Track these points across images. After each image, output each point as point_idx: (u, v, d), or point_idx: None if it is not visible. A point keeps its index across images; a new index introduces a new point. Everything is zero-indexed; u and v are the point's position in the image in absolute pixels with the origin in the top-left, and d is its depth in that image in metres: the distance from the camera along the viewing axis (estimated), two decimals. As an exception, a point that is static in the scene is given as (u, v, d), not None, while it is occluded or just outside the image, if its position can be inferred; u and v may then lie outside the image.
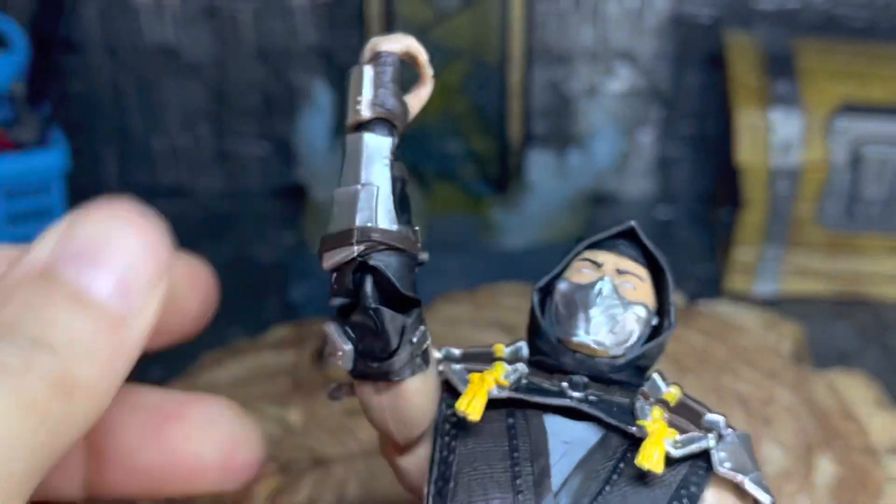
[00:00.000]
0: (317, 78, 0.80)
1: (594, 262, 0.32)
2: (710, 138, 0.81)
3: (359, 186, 0.28)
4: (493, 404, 0.30)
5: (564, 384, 0.30)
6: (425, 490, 0.30)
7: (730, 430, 0.30)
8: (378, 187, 0.28)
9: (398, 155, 0.29)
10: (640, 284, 0.32)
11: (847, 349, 0.68)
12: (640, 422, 0.29)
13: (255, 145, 0.84)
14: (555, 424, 0.30)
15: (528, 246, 0.77)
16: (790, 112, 0.69)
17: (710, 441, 0.29)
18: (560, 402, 0.30)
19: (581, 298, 0.31)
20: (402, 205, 0.29)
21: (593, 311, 0.31)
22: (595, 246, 0.32)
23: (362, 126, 0.29)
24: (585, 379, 0.31)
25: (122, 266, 0.25)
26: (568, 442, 0.30)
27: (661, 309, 0.32)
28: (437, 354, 0.32)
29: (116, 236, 0.25)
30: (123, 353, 0.25)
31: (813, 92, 0.70)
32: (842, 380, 0.61)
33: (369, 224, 0.27)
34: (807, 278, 0.73)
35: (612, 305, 0.31)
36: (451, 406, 0.30)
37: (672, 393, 0.31)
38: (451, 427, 0.30)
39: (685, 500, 0.29)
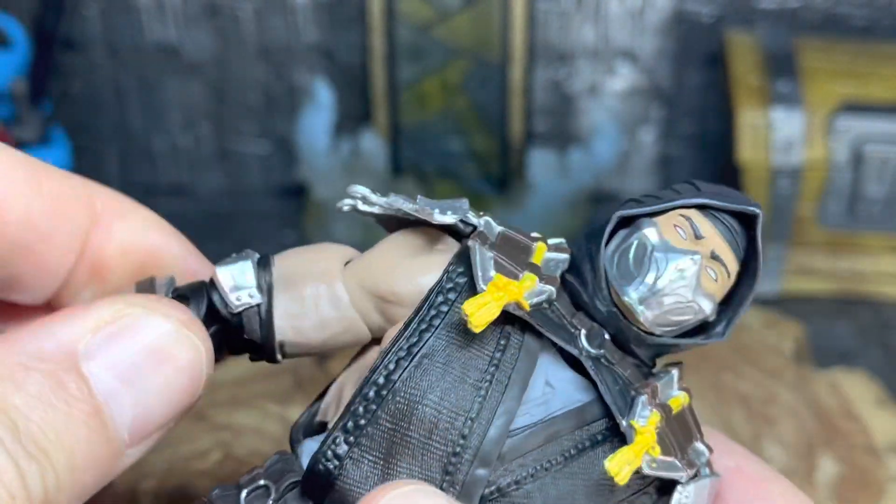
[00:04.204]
0: (318, 76, 0.80)
1: (695, 231, 0.28)
2: (711, 137, 0.81)
3: None
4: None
5: (583, 331, 0.28)
6: (383, 346, 0.28)
7: (706, 471, 0.28)
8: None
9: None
10: (722, 279, 0.28)
11: (848, 348, 0.68)
12: (633, 422, 0.27)
13: (256, 144, 0.84)
14: (548, 360, 0.28)
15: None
16: (791, 111, 0.69)
17: (683, 476, 0.27)
18: (569, 348, 0.27)
19: (660, 262, 0.27)
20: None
21: (662, 283, 0.27)
22: (705, 208, 0.28)
23: None
24: (606, 337, 0.28)
25: (154, 400, 0.24)
26: (552, 386, 0.28)
27: (725, 310, 0.28)
28: (476, 220, 0.28)
29: (167, 359, 0.25)
30: (102, 484, 0.24)
31: (814, 91, 0.70)
32: (843, 379, 0.61)
33: None
34: (808, 277, 0.73)
35: (684, 288, 0.27)
36: (457, 282, 0.27)
37: (679, 399, 0.28)
38: (443, 301, 0.27)
39: None
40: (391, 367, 0.27)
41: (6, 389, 0.22)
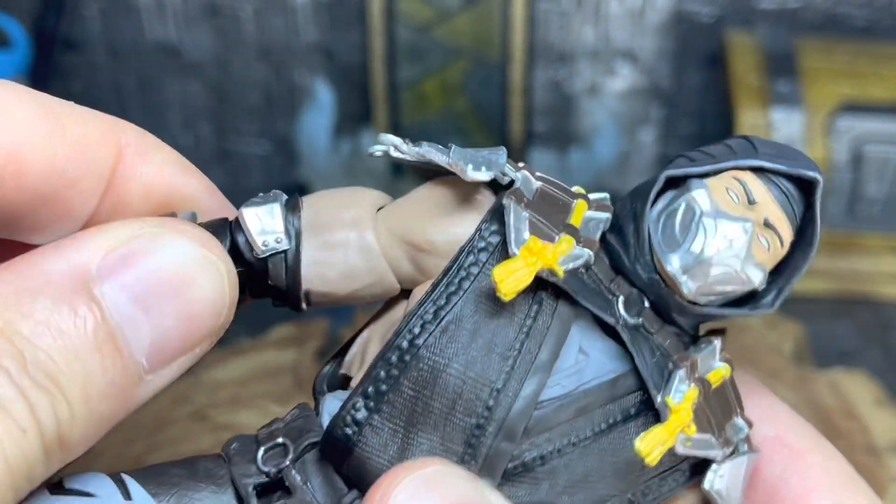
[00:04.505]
0: (318, 76, 0.80)
1: (749, 196, 0.26)
2: (710, 137, 0.81)
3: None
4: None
5: (620, 298, 0.26)
6: (409, 307, 0.27)
7: (744, 447, 0.27)
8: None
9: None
10: (775, 248, 0.26)
11: (848, 348, 0.68)
12: (668, 398, 0.25)
13: (257, 144, 0.84)
14: (582, 327, 0.26)
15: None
16: (791, 111, 0.69)
17: (718, 455, 0.26)
18: (605, 317, 0.26)
19: (708, 228, 0.25)
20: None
21: (709, 251, 0.25)
22: (760, 170, 0.26)
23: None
24: (646, 306, 0.26)
25: (172, 323, 0.23)
26: (585, 353, 0.26)
27: (776, 279, 0.27)
28: (513, 174, 0.27)
29: (186, 280, 0.23)
30: (123, 413, 0.23)
31: (814, 91, 0.70)
32: (843, 379, 0.61)
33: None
34: (808, 277, 0.73)
35: (733, 258, 0.25)
36: (489, 241, 0.26)
37: (720, 371, 0.27)
38: (473, 262, 0.26)
39: (651, 496, 0.26)
40: (416, 330, 0.26)
41: (12, 317, 0.21)
